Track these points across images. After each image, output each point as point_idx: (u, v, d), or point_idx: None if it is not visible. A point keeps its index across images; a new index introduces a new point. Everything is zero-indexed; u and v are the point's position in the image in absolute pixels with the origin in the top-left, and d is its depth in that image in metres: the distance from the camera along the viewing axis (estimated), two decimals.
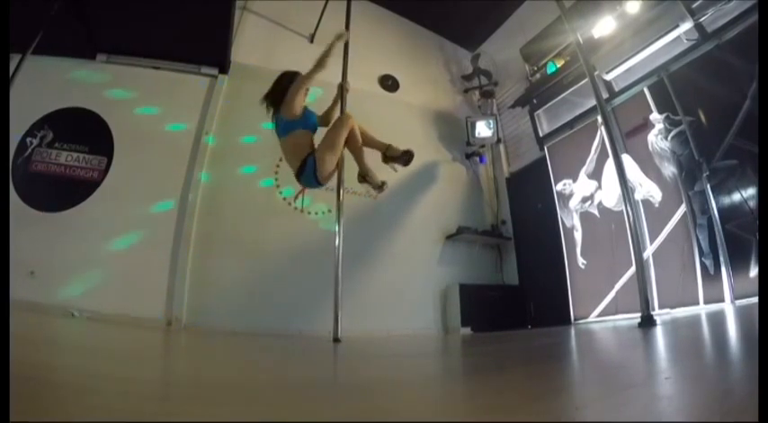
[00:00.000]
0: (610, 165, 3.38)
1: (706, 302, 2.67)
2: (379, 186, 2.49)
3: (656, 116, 3.18)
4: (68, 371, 0.74)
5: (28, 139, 3.05)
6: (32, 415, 0.38)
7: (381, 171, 2.59)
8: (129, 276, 2.94)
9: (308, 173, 2.40)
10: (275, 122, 2.50)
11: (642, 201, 3.19)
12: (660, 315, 2.62)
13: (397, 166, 2.53)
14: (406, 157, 2.47)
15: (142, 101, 3.43)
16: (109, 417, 0.42)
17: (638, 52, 3.29)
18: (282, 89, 2.42)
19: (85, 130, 3.21)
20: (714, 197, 2.72)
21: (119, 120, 3.29)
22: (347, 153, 2.56)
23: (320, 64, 2.38)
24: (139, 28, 3.26)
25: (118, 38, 3.35)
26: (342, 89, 2.78)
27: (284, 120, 2.42)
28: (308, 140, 2.48)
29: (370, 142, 2.52)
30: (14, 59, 2.68)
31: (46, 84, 3.20)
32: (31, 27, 2.71)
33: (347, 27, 3.21)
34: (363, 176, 2.51)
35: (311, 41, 4.32)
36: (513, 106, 4.63)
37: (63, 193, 3.02)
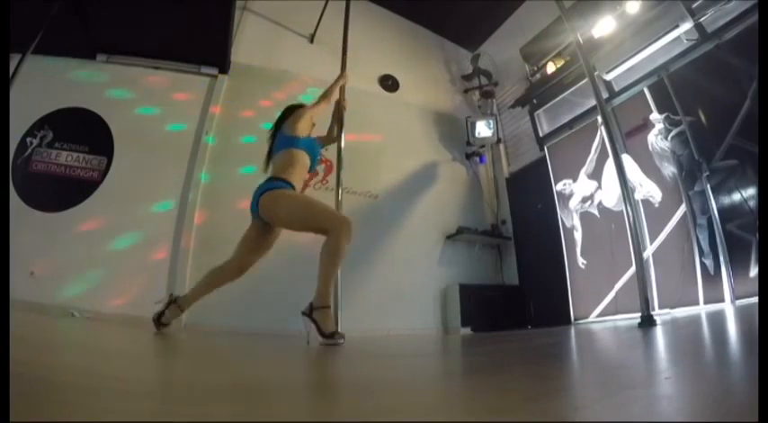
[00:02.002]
0: (610, 165, 3.38)
1: (706, 302, 2.67)
2: (326, 336, 1.73)
3: (656, 116, 3.18)
4: (68, 371, 0.74)
5: (28, 139, 3.05)
6: (32, 415, 0.38)
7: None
8: (129, 276, 2.94)
9: (259, 190, 2.01)
10: (273, 141, 2.26)
11: (642, 201, 3.19)
12: (660, 315, 2.62)
13: (312, 325, 1.78)
14: (329, 339, 1.72)
15: (142, 101, 3.43)
16: (109, 417, 0.42)
17: (638, 52, 3.29)
18: (286, 116, 2.30)
19: (85, 130, 3.21)
20: (714, 197, 2.72)
21: (119, 120, 3.29)
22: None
23: (325, 96, 2.45)
24: (139, 28, 3.26)
25: (118, 38, 3.35)
26: (339, 107, 2.68)
27: (284, 134, 2.19)
28: (300, 165, 2.10)
29: (324, 272, 1.80)
30: (14, 59, 2.68)
31: (46, 84, 3.20)
32: (31, 27, 2.71)
33: (347, 27, 3.21)
34: (311, 309, 1.79)
35: (311, 41, 4.32)
36: (513, 106, 4.63)
37: (63, 193, 3.02)
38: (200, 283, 2.13)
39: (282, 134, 2.21)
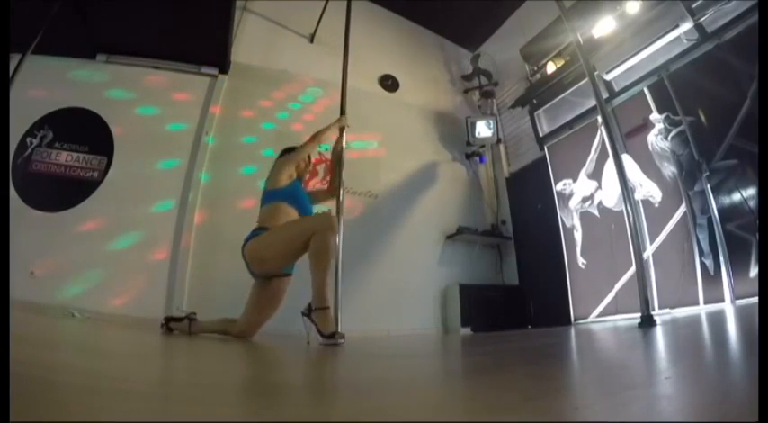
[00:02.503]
0: (610, 165, 3.38)
1: (706, 302, 2.67)
2: (326, 336, 1.72)
3: (655, 116, 3.18)
4: (68, 371, 0.74)
5: (28, 139, 3.05)
6: (32, 415, 0.38)
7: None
8: (129, 276, 2.94)
9: (243, 243, 2.01)
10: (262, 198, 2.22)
11: (642, 201, 3.19)
12: (660, 315, 2.62)
13: (313, 326, 1.80)
14: (328, 339, 1.72)
15: (142, 101, 3.43)
16: (109, 417, 0.42)
17: (638, 52, 3.29)
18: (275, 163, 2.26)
19: (85, 130, 3.21)
20: (714, 197, 2.72)
21: (119, 120, 3.29)
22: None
23: (316, 136, 2.34)
24: (139, 28, 3.26)
25: (118, 38, 3.35)
26: (335, 153, 2.59)
27: (266, 190, 2.16)
28: (283, 216, 2.05)
29: (316, 273, 1.79)
30: (14, 59, 2.68)
31: (46, 84, 3.20)
32: (31, 27, 2.71)
33: (348, 27, 3.20)
34: (310, 310, 1.80)
35: (311, 41, 4.32)
36: (513, 106, 4.63)
37: (63, 193, 3.02)
38: (214, 324, 2.12)
39: (265, 190, 2.18)
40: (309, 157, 2.32)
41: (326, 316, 1.78)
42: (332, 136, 2.56)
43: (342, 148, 2.58)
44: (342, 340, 1.74)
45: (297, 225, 1.96)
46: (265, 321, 2.10)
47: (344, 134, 2.63)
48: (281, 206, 2.08)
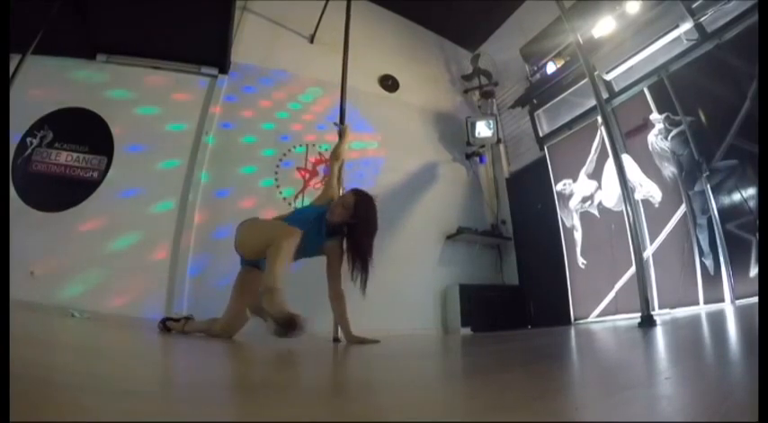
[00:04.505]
0: (610, 165, 3.38)
1: (706, 302, 2.67)
2: (282, 325, 1.55)
3: (656, 116, 3.18)
4: (68, 371, 0.74)
5: (28, 139, 3.05)
6: (32, 415, 0.38)
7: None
8: (129, 276, 2.94)
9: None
10: None
11: (642, 201, 3.19)
12: (660, 315, 2.62)
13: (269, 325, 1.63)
14: (285, 325, 1.56)
15: (142, 101, 3.43)
16: (109, 417, 0.42)
17: (638, 52, 3.29)
18: None
19: (85, 130, 3.21)
20: (714, 197, 2.72)
21: (119, 120, 3.29)
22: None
23: (333, 157, 2.56)
24: (139, 28, 3.26)
25: (118, 38, 3.35)
26: (341, 135, 2.69)
27: None
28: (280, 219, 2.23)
29: (271, 263, 1.74)
30: (14, 59, 2.68)
31: (46, 84, 3.20)
32: (31, 27, 2.71)
33: (348, 27, 3.20)
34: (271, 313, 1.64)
35: (311, 41, 4.32)
36: (513, 106, 4.63)
37: (63, 193, 3.02)
38: (202, 323, 2.14)
39: None
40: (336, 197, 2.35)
41: (274, 297, 1.66)
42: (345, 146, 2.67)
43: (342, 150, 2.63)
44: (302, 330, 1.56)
45: (266, 228, 2.02)
46: (244, 315, 2.04)
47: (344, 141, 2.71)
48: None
